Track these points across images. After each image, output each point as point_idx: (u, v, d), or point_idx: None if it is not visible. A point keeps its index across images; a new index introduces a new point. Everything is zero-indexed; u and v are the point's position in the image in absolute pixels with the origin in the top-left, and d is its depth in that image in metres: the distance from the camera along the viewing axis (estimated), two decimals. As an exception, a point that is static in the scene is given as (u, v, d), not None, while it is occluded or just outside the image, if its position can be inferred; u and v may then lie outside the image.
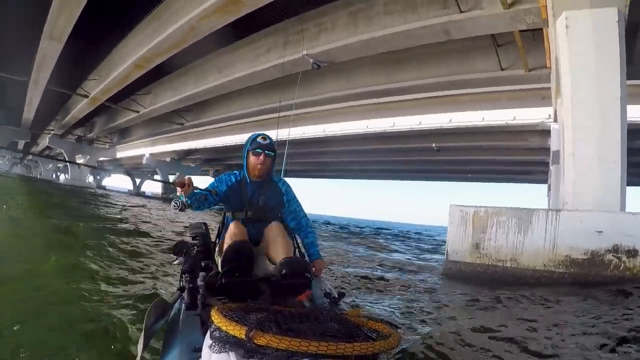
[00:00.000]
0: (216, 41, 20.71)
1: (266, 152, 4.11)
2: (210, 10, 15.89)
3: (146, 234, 14.01)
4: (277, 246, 3.72)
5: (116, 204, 30.96)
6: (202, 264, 3.90)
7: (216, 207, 4.36)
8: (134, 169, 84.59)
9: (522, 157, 27.56)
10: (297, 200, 4.47)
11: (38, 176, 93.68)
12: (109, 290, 6.43)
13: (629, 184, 28.17)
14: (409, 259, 16.47)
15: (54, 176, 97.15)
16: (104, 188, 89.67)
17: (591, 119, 10.66)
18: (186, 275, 3.38)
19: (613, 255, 9.22)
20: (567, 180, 10.83)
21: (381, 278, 10.70)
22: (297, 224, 4.45)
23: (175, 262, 4.21)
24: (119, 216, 20.45)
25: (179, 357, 2.52)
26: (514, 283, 9.83)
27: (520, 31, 14.58)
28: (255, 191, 4.23)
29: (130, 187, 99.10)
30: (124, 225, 15.84)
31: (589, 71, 10.79)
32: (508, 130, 22.76)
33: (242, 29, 19.68)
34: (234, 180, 4.28)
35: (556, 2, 11.05)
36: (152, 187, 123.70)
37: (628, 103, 16.39)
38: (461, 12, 13.94)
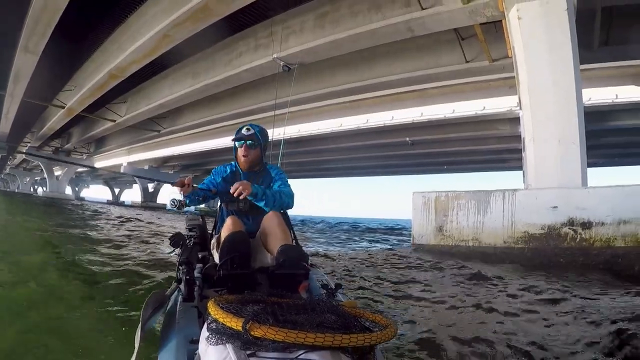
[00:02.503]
0: (191, 48, 20.97)
1: (247, 142, 4.15)
2: (182, 18, 16.14)
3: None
4: (275, 237, 3.70)
5: (101, 216, 29.87)
6: (199, 255, 3.96)
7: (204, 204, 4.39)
8: (112, 179, 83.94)
9: (495, 146, 27.90)
10: (285, 180, 4.35)
11: (16, 190, 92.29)
12: (106, 282, 6.58)
13: (598, 165, 28.80)
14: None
15: (31, 189, 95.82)
16: (82, 199, 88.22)
17: (548, 104, 11.31)
18: (183, 267, 3.39)
19: (569, 228, 9.93)
20: (530, 163, 11.50)
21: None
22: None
23: (172, 254, 4.13)
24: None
25: (176, 349, 2.53)
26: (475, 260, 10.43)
27: (481, 24, 14.99)
28: (248, 181, 4.05)
29: (109, 197, 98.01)
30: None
31: (543, 59, 11.41)
32: (479, 120, 23.27)
33: (215, 35, 19.86)
34: (228, 171, 4.34)
35: (508, -6, 11.50)
36: (131, 196, 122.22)
37: (593, 86, 17.21)
38: (423, 9, 14.38)
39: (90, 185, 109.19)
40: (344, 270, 9.68)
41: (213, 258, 3.84)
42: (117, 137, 45.30)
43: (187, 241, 4.06)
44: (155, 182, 63.43)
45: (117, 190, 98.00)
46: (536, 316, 5.50)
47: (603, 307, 5.61)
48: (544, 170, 11.29)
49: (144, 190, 64.43)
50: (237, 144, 4.21)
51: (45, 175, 59.39)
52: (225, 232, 3.59)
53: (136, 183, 64.96)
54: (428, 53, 19.10)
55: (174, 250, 3.95)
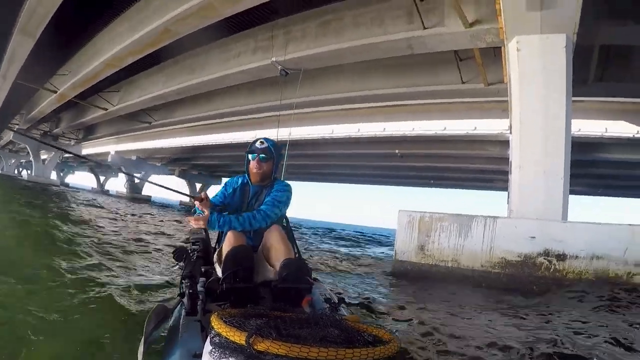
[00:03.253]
0: (189, 43, 20.94)
1: (260, 156, 4.16)
2: (185, 14, 16.13)
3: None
4: (277, 251, 3.72)
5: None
6: (202, 269, 4.00)
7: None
8: (98, 166, 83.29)
9: (483, 166, 28.11)
10: (277, 199, 4.16)
11: (0, 171, 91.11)
12: (109, 295, 6.42)
13: (585, 194, 29.32)
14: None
15: (16, 172, 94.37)
16: (67, 185, 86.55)
17: (537, 135, 11.60)
18: (186, 280, 3.39)
19: (544, 258, 10.32)
20: (514, 191, 11.81)
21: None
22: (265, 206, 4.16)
23: (175, 268, 4.22)
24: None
25: None
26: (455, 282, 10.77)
27: (481, 49, 15.23)
28: (254, 195, 4.28)
29: (94, 184, 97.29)
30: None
31: (537, 91, 11.71)
32: (469, 140, 23.41)
33: (215, 33, 19.87)
34: (239, 183, 4.37)
35: (509, 27, 11.75)
36: (117, 185, 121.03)
37: (584, 118, 17.54)
38: (425, 28, 14.55)
39: (76, 172, 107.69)
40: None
41: (216, 272, 3.87)
42: (107, 126, 44.95)
43: (191, 255, 4.09)
44: (142, 173, 63.04)
45: (102, 178, 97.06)
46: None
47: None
48: (528, 198, 11.59)
49: (130, 180, 63.91)
50: (250, 156, 4.23)
51: (32, 158, 58.23)
52: (227, 245, 3.63)
53: (122, 172, 64.28)
54: (426, 70, 19.29)
55: (177, 264, 4.02)
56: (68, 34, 23.65)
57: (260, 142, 4.22)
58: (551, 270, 10.33)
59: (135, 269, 9.23)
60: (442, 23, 14.37)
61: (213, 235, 4.67)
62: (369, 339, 2.31)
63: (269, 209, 4.07)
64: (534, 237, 10.55)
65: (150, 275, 8.61)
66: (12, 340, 4.29)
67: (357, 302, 7.18)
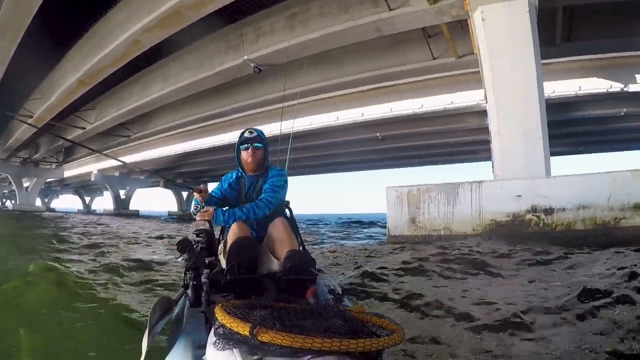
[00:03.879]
0: (160, 51, 21.03)
1: (254, 145, 4.18)
2: (152, 23, 16.24)
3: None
4: (281, 242, 3.68)
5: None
6: (206, 261, 3.97)
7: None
8: (82, 187, 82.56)
9: (465, 138, 28.24)
10: (276, 184, 4.22)
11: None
12: (114, 287, 6.59)
13: (568, 154, 29.57)
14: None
15: (0, 203, 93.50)
16: (53, 210, 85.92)
17: (512, 100, 11.94)
18: (190, 272, 3.37)
19: (532, 215, 10.68)
20: (496, 156, 12.15)
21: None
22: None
23: (179, 259, 3.95)
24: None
25: (184, 354, 2.51)
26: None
27: (448, 22, 15.41)
28: (251, 185, 4.29)
29: (80, 206, 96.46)
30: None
31: (506, 57, 12.01)
32: (447, 114, 23.47)
33: (185, 39, 19.78)
34: (234, 176, 4.39)
35: (472, -2, 11.97)
36: (102, 204, 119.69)
37: (557, 79, 17.83)
38: (390, 9, 14.77)
39: (60, 195, 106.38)
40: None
41: (220, 263, 3.86)
42: (86, 145, 44.41)
43: (195, 246, 4.05)
44: (127, 188, 62.55)
45: (87, 199, 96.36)
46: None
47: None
48: (510, 161, 11.95)
49: (116, 197, 63.18)
50: (242, 147, 4.25)
51: (14, 188, 57.53)
52: (231, 237, 3.65)
53: (107, 190, 63.66)
54: (396, 51, 19.54)
55: (181, 256, 3.90)
56: (38, 56, 23.34)
57: (249, 132, 4.26)
58: (540, 225, 10.72)
59: (139, 262, 9.46)
60: (407, 3, 14.58)
61: (217, 227, 4.59)
62: (373, 330, 2.31)
63: (269, 195, 4.12)
64: (519, 196, 10.92)
65: (154, 267, 8.86)
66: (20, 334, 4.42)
67: (358, 287, 7.14)
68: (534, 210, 10.79)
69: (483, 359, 3.88)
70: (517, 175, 11.47)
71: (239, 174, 4.39)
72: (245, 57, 18.87)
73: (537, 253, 8.91)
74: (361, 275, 7.65)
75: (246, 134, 4.25)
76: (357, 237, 20.57)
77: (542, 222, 10.72)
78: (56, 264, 8.32)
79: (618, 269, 6.38)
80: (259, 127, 4.39)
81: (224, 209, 4.12)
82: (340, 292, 3.67)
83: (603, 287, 5.43)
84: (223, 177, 4.48)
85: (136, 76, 26.53)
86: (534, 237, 10.57)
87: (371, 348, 1.96)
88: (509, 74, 12.10)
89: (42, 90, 28.22)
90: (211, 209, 4.01)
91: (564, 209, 10.61)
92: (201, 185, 4.12)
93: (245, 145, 4.21)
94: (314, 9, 16.87)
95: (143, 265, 9.24)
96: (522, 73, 11.91)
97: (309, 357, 1.91)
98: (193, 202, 4.16)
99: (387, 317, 2.45)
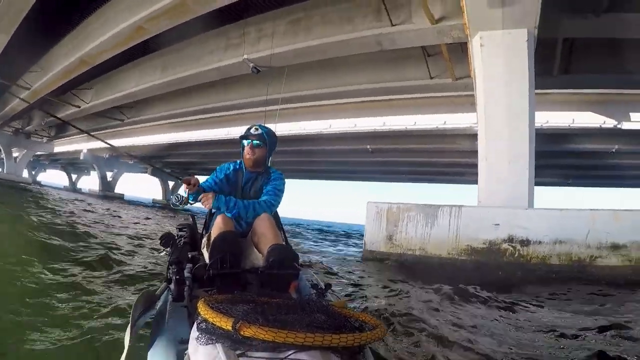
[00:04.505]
0: (162, 41, 21.05)
1: (254, 142, 4.17)
2: (158, 12, 16.24)
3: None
4: (265, 237, 3.69)
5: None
6: (189, 255, 3.90)
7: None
8: (70, 164, 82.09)
9: (454, 159, 28.26)
10: (276, 188, 4.28)
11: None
12: (94, 281, 6.48)
13: (557, 185, 29.82)
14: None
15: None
16: (39, 183, 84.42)
17: (502, 127, 12.07)
18: (173, 266, 3.35)
19: (509, 244, 10.81)
20: (482, 181, 12.28)
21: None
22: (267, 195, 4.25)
23: (162, 254, 4.21)
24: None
25: (166, 349, 2.50)
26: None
27: (447, 44, 15.55)
28: (249, 181, 4.29)
29: (66, 182, 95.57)
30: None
31: (500, 84, 12.14)
32: (440, 134, 23.51)
33: (187, 31, 19.91)
34: (232, 169, 4.34)
35: (472, 23, 12.16)
36: (89, 183, 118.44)
37: (551, 110, 17.99)
38: (392, 25, 14.89)
39: (47, 170, 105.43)
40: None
41: (203, 258, 3.83)
42: (79, 123, 43.12)
43: (178, 241, 4.13)
44: (115, 171, 62.32)
45: (74, 177, 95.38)
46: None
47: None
48: (494, 187, 12.08)
49: (102, 178, 62.79)
50: (244, 142, 4.26)
51: (3, 156, 57.04)
52: (215, 231, 3.64)
53: (94, 170, 63.19)
54: (394, 66, 19.61)
55: (164, 250, 4.05)
56: (42, 30, 23.31)
57: (255, 128, 4.26)
58: (515, 255, 10.84)
59: (122, 256, 9.36)
60: (410, 20, 14.70)
61: (200, 221, 4.68)
62: (356, 325, 2.34)
63: (272, 198, 4.18)
64: (498, 225, 11.04)
65: (137, 261, 8.76)
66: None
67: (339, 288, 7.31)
68: (510, 240, 10.92)
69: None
70: (500, 203, 11.60)
71: (237, 167, 4.39)
72: (246, 57, 18.89)
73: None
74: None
75: (252, 130, 4.25)
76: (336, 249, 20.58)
77: (517, 252, 10.84)
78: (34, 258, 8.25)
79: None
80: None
81: (229, 196, 4.09)
82: (323, 287, 3.69)
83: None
84: (219, 167, 4.42)
85: (136, 62, 26.52)
86: (508, 267, 10.73)
87: (354, 343, 1.99)
88: (501, 101, 12.21)
89: (42, 65, 28.04)
90: (210, 193, 3.96)
91: (540, 242, 10.74)
92: (192, 178, 3.95)
93: (247, 140, 4.22)
94: (317, 17, 16.96)
95: (126, 259, 9.18)
96: (515, 101, 12.02)
97: (292, 351, 1.94)
98: (178, 192, 4.13)
99: (370, 312, 2.43)
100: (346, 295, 7.10)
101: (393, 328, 4.89)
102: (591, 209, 10.89)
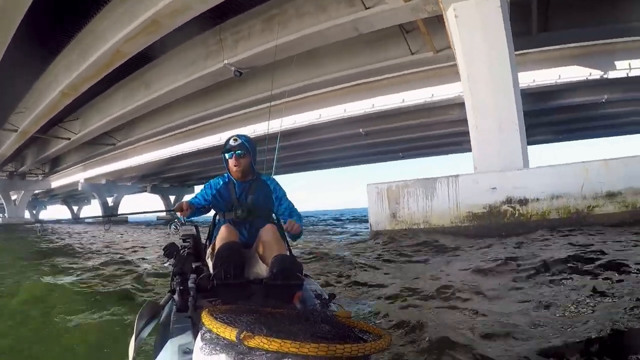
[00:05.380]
0: (142, 59, 21.05)
1: (237, 152, 4.12)
2: (133, 33, 16.35)
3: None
4: (270, 247, 3.68)
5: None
6: (193, 265, 3.87)
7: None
8: (69, 197, 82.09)
9: (447, 130, 28.38)
10: (287, 198, 4.42)
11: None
12: (99, 292, 6.55)
13: (550, 142, 29.81)
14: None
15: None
16: (42, 222, 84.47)
17: (487, 94, 12.23)
18: (177, 277, 3.36)
19: (508, 206, 11.12)
20: (475, 149, 12.46)
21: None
22: (290, 215, 4.31)
23: (166, 264, 4.15)
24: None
25: (171, 359, 2.50)
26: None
27: (424, 19, 15.57)
28: (243, 191, 4.24)
29: (69, 215, 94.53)
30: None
31: (480, 52, 12.28)
32: (429, 107, 23.74)
33: (165, 46, 19.92)
34: (221, 183, 4.32)
35: (445, -4, 12.18)
36: (90, 212, 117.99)
37: (536, 69, 18.07)
38: (366, 8, 14.92)
39: (48, 206, 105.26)
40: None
41: (207, 268, 3.83)
42: (72, 155, 44.38)
43: (181, 251, 4.04)
44: (115, 195, 62.29)
45: (75, 208, 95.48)
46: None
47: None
48: (488, 154, 12.32)
49: (104, 204, 62.65)
50: (226, 155, 4.21)
51: (2, 201, 57.14)
52: (219, 241, 3.64)
53: (94, 198, 63.04)
54: (375, 48, 19.77)
55: (168, 261, 3.96)
56: (19, 69, 23.17)
57: (234, 139, 4.20)
58: (515, 215, 11.15)
59: (126, 267, 9.44)
60: (382, 0, 14.73)
61: (203, 231, 4.62)
62: (360, 335, 2.33)
63: (295, 210, 4.38)
64: (494, 188, 11.32)
65: (141, 273, 8.74)
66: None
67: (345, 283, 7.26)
68: (509, 201, 11.20)
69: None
70: (496, 167, 11.82)
71: (227, 180, 4.34)
72: (226, 62, 19.00)
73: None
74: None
75: (231, 142, 4.19)
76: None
77: (517, 212, 11.13)
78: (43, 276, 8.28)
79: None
80: (243, 131, 4.36)
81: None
82: (327, 298, 3.46)
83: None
84: (207, 184, 4.41)
85: (118, 85, 26.51)
86: (510, 227, 10.97)
87: (358, 353, 1.94)
88: (483, 69, 12.38)
89: (26, 104, 28.13)
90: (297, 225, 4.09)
91: (538, 199, 11.03)
92: (183, 203, 4.12)
93: (229, 153, 4.17)
94: (291, 11, 17.02)
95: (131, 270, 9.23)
96: (497, 67, 12.18)
97: None
98: (174, 221, 4.28)
99: (374, 322, 2.66)
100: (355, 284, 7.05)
101: (399, 334, 4.50)
102: (583, 162, 11.15)
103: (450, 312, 5.04)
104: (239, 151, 4.13)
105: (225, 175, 4.35)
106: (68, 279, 7.66)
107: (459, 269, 7.39)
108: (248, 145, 4.20)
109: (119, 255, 11.78)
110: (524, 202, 11.07)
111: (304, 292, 3.52)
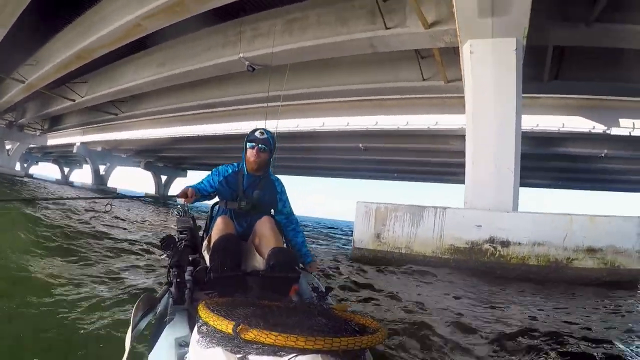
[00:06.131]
0: (158, 37, 21.06)
1: (259, 146, 4.15)
2: (156, 9, 16.36)
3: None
4: (267, 240, 3.71)
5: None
6: (190, 258, 3.82)
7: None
8: (62, 157, 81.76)
9: (446, 159, 28.37)
10: (289, 202, 4.54)
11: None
12: (95, 285, 6.43)
13: (547, 187, 30.14)
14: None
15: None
16: (31, 176, 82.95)
17: (489, 132, 12.45)
18: (174, 269, 3.41)
19: (490, 245, 11.34)
20: (469, 184, 12.69)
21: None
22: (288, 222, 4.52)
23: (162, 257, 4.16)
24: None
25: (167, 352, 2.50)
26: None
27: (440, 48, 15.78)
28: (251, 184, 4.27)
29: (58, 175, 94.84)
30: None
31: (488, 91, 12.50)
32: (432, 134, 23.79)
33: (185, 28, 19.81)
34: (230, 171, 4.34)
35: (463, 31, 12.49)
36: (81, 177, 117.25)
37: (541, 114, 18.33)
38: (387, 28, 15.11)
39: (39, 162, 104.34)
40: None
41: (204, 260, 3.80)
42: (74, 116, 44.27)
43: (178, 243, 4.05)
44: (108, 165, 62.10)
45: (66, 170, 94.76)
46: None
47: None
48: (480, 190, 12.47)
49: (95, 172, 62.14)
50: (248, 145, 4.23)
51: (-4, 148, 56.30)
52: (216, 234, 3.66)
53: (87, 163, 62.58)
54: (388, 67, 19.86)
55: (164, 253, 4.00)
56: (40, 24, 23.29)
57: (260, 132, 4.23)
58: (496, 255, 11.36)
59: (122, 256, 9.43)
60: (404, 23, 14.92)
61: (200, 223, 4.68)
62: (356, 328, 2.36)
63: (293, 218, 4.61)
64: (480, 226, 11.53)
65: (137, 264, 8.75)
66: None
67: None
68: (491, 241, 11.40)
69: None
70: (486, 205, 11.99)
71: (237, 169, 4.38)
72: (242, 55, 19.09)
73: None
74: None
75: (257, 133, 4.23)
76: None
77: (498, 252, 11.34)
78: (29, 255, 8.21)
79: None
80: (263, 125, 4.45)
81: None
82: (324, 291, 3.78)
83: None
84: (215, 170, 4.43)
85: (131, 57, 26.47)
86: (489, 266, 11.24)
87: (354, 346, 2.00)
88: (489, 107, 12.59)
89: (38, 58, 27.89)
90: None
91: (519, 243, 11.23)
92: (188, 190, 4.11)
93: (252, 144, 4.21)
94: (312, 18, 17.12)
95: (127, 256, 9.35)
96: (502, 108, 12.38)
97: (293, 355, 1.92)
98: (175, 210, 4.36)
99: (370, 315, 2.61)
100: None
101: (394, 331, 4.94)
102: (569, 214, 11.38)
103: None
104: (263, 145, 4.19)
105: (236, 164, 4.42)
106: (61, 266, 7.60)
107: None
108: (272, 142, 4.28)
109: (117, 242, 11.68)
110: (505, 243, 11.26)
111: (300, 285, 3.69)
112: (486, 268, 11.21)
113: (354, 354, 2.07)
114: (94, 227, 13.51)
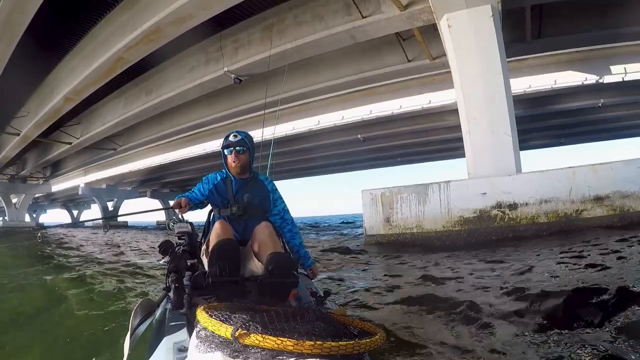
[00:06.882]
0: (143, 65, 21.24)
1: (236, 148, 4.15)
2: (136, 40, 16.52)
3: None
4: (265, 245, 3.67)
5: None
6: (188, 263, 3.76)
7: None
8: (69, 200, 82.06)
9: (445, 136, 28.78)
10: (283, 201, 4.52)
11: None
12: (94, 292, 6.56)
13: (549, 146, 30.10)
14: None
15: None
16: (42, 225, 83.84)
17: (480, 101, 12.57)
18: (172, 274, 3.37)
19: (498, 210, 11.38)
20: (468, 154, 12.75)
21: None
22: (283, 222, 4.50)
23: (161, 262, 4.05)
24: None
25: (166, 357, 2.50)
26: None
27: (420, 27, 15.78)
28: (240, 188, 4.25)
29: (69, 220, 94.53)
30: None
31: (473, 61, 12.62)
32: (427, 113, 24.17)
33: (166, 52, 19.92)
34: (219, 179, 4.32)
35: (437, 6, 12.63)
36: (90, 216, 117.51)
37: (532, 74, 18.32)
38: (363, 17, 15.15)
39: (48, 210, 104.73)
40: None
41: (202, 265, 3.84)
42: (73, 159, 44.30)
43: (176, 249, 3.99)
44: (115, 200, 62.33)
45: (75, 212, 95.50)
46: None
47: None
48: (481, 160, 12.56)
49: (104, 209, 62.33)
50: (226, 151, 4.25)
51: (3, 205, 57.08)
52: (214, 238, 3.64)
53: (94, 202, 62.87)
54: (371, 55, 19.90)
55: (163, 258, 3.94)
56: (23, 73, 23.05)
57: (234, 135, 4.23)
58: (505, 219, 11.40)
59: (121, 265, 9.65)
60: (379, 10, 14.97)
61: (198, 229, 4.50)
62: (355, 332, 2.36)
63: (292, 218, 4.61)
64: (485, 193, 11.59)
65: (137, 269, 8.99)
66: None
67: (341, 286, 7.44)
68: (499, 206, 11.44)
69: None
70: (489, 173, 12.07)
71: (224, 176, 4.36)
72: (226, 69, 19.16)
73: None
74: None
75: (230, 138, 4.24)
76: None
77: (507, 216, 11.37)
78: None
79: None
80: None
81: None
82: (322, 295, 3.71)
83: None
84: (205, 178, 4.43)
85: (120, 90, 26.60)
86: (500, 231, 11.30)
87: (353, 350, 1.98)
88: (476, 76, 12.66)
89: (28, 108, 28.18)
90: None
91: (527, 204, 11.28)
92: (182, 200, 4.08)
93: (229, 149, 4.22)
94: (289, 19, 17.20)
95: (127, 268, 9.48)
96: (489, 75, 12.46)
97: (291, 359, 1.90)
98: (173, 217, 4.33)
99: (369, 320, 2.65)
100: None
101: (393, 334, 4.49)
102: (570, 167, 11.41)
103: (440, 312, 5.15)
104: (239, 147, 4.19)
105: (223, 171, 4.40)
106: (64, 278, 7.72)
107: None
108: (248, 142, 4.27)
109: (116, 254, 11.79)
110: (513, 206, 11.31)
111: (299, 289, 3.58)
112: (498, 233, 11.28)
113: (352, 358, 2.07)
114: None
